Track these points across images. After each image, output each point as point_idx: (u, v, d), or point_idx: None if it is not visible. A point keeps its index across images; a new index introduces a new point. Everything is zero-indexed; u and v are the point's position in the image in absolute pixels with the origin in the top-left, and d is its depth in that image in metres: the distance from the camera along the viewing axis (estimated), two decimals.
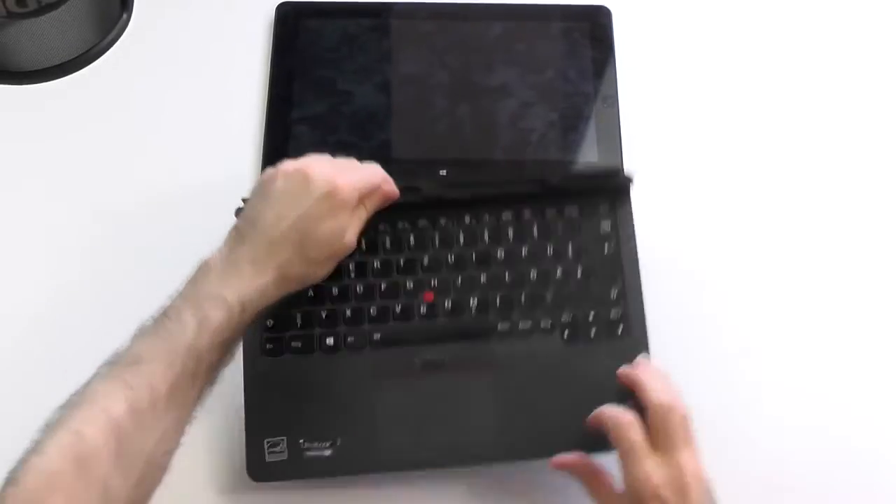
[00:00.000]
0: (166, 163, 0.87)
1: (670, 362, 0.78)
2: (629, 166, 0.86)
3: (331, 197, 0.67)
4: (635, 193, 0.79)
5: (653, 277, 0.79)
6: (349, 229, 0.69)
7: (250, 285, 0.64)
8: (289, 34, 0.92)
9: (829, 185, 0.88)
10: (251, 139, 0.87)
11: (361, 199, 0.70)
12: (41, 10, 0.86)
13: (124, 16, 0.94)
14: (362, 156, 0.85)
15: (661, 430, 0.63)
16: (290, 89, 0.89)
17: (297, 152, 0.85)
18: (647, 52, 0.93)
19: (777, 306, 0.82)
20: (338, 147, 0.86)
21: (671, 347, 0.78)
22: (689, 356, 0.79)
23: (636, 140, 0.88)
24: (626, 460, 0.63)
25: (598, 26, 0.93)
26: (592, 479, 0.66)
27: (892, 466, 0.77)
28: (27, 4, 0.85)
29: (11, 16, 0.86)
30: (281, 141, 0.86)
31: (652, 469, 0.61)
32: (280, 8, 0.93)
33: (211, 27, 0.94)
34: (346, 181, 0.68)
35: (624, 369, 0.69)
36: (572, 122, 0.88)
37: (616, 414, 0.64)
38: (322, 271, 0.70)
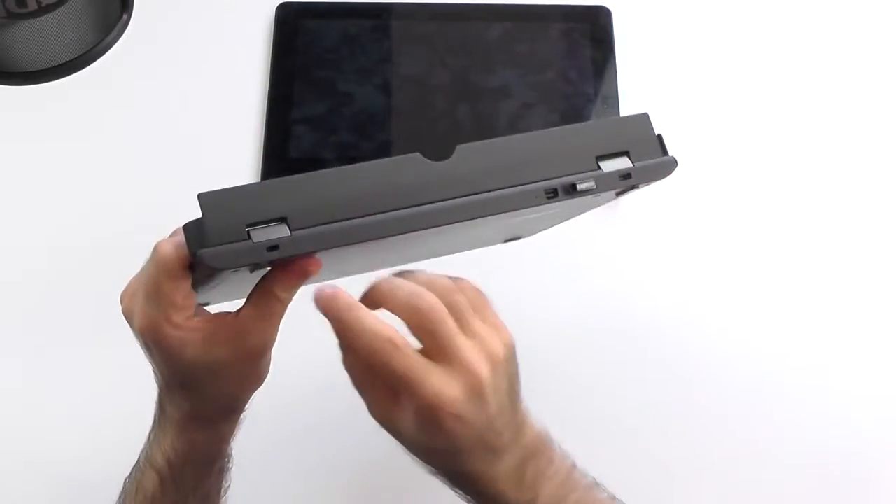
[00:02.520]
0: (166, 163, 0.87)
1: (669, 360, 0.78)
2: None
3: (157, 350, 0.51)
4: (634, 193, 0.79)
5: (652, 277, 0.79)
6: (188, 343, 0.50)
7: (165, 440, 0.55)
8: (289, 35, 0.92)
9: (830, 183, 0.88)
10: (251, 139, 0.87)
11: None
12: (41, 11, 0.86)
13: (124, 16, 0.94)
14: (362, 156, 0.85)
15: (429, 333, 0.47)
16: (291, 90, 0.89)
17: (298, 152, 0.86)
18: (647, 52, 0.93)
19: (776, 304, 0.82)
20: (338, 147, 0.86)
21: (669, 346, 0.78)
22: (687, 355, 0.80)
23: None
24: (406, 391, 0.47)
25: (598, 27, 0.93)
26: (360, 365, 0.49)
27: (891, 466, 0.77)
28: (27, 5, 0.85)
29: (11, 16, 0.86)
30: (281, 141, 0.86)
31: (439, 387, 0.46)
32: (280, 9, 0.93)
33: (211, 28, 0.94)
34: (127, 294, 0.52)
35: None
36: (573, 123, 0.87)
37: (372, 339, 0.46)
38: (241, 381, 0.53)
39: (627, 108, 0.89)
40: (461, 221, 0.48)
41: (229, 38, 0.94)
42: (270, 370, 0.54)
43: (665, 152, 0.52)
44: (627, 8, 0.94)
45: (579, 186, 0.49)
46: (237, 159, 0.86)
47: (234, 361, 0.50)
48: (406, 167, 0.48)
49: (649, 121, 0.52)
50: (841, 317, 0.82)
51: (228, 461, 0.60)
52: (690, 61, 0.94)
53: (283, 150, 0.86)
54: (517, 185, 0.49)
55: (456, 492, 0.52)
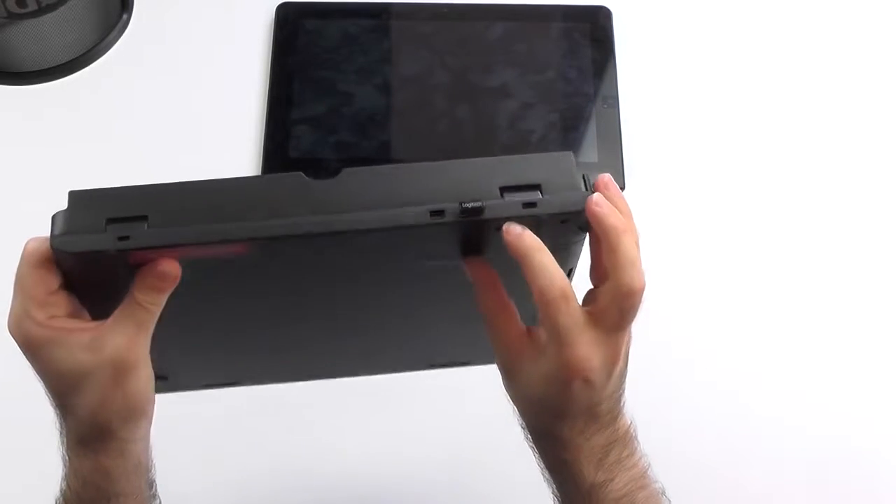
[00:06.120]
0: (166, 163, 0.87)
1: (671, 359, 0.78)
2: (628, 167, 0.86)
3: (24, 349, 0.49)
4: (634, 194, 0.79)
5: (651, 277, 0.78)
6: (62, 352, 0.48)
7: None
8: (289, 35, 0.92)
9: (831, 182, 0.88)
10: (251, 139, 0.87)
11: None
12: (41, 11, 0.86)
13: (124, 16, 0.94)
14: (362, 157, 0.86)
15: (618, 313, 0.50)
16: (291, 90, 0.89)
17: (297, 152, 0.86)
18: (647, 52, 0.93)
19: (776, 305, 0.82)
20: (338, 147, 0.86)
21: (671, 344, 0.78)
22: (686, 355, 0.80)
23: (636, 140, 0.88)
24: (553, 341, 0.49)
25: (598, 27, 0.93)
26: (497, 306, 0.52)
27: (889, 466, 0.77)
28: (27, 5, 0.85)
29: (11, 16, 0.86)
30: (281, 141, 0.86)
31: (586, 352, 0.49)
32: (280, 9, 0.93)
33: (211, 27, 0.94)
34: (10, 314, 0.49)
35: (599, 213, 0.49)
36: (572, 123, 0.88)
37: (546, 286, 0.48)
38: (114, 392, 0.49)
39: (627, 108, 0.89)
40: (329, 235, 0.46)
41: (229, 38, 0.94)
42: None
43: (587, 189, 0.48)
44: (627, 8, 0.94)
45: (466, 205, 0.46)
46: (237, 159, 0.86)
47: (97, 371, 0.48)
48: (282, 183, 0.47)
49: (571, 159, 0.49)
50: (839, 316, 0.82)
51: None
52: (690, 61, 0.94)
53: (283, 150, 0.86)
54: (402, 206, 0.46)
55: (533, 450, 0.55)
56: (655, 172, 0.87)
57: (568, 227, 0.49)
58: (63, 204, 0.88)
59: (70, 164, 0.87)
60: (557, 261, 0.48)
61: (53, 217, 0.46)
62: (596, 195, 0.48)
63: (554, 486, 0.56)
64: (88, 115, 0.90)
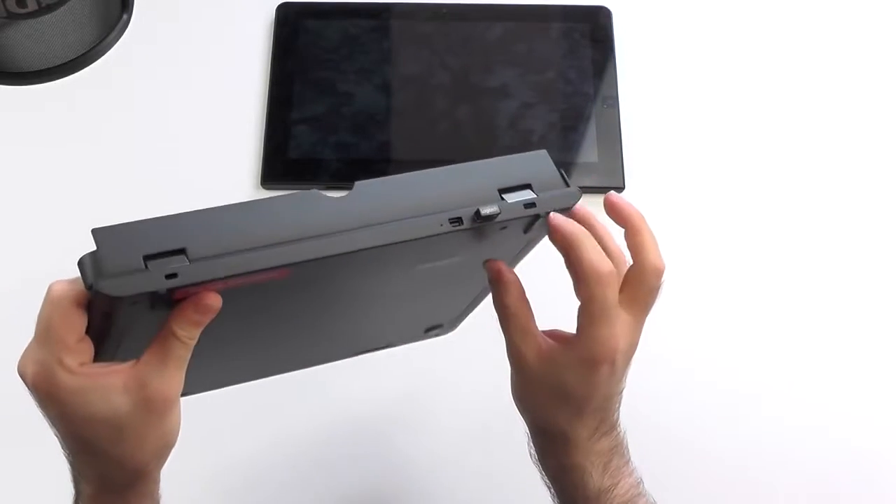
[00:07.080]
0: (166, 163, 0.87)
1: (671, 360, 0.78)
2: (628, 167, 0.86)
3: (50, 401, 0.47)
4: (634, 194, 0.79)
5: None
6: (101, 396, 0.46)
7: None
8: (289, 35, 0.92)
9: (828, 183, 0.88)
10: (251, 139, 0.87)
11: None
12: (41, 11, 0.86)
13: (124, 16, 0.94)
14: (362, 157, 0.86)
15: (647, 293, 0.52)
16: (291, 90, 0.89)
17: (297, 152, 0.86)
18: (647, 52, 0.93)
19: (777, 307, 0.82)
20: (338, 148, 0.86)
21: (671, 344, 0.78)
22: (686, 354, 0.80)
23: (636, 140, 0.88)
24: (594, 320, 0.51)
25: (598, 27, 0.93)
26: (519, 303, 0.54)
27: (889, 466, 0.77)
28: (27, 5, 0.85)
29: (11, 17, 0.86)
30: (281, 141, 0.86)
31: (620, 332, 0.52)
32: (280, 9, 0.93)
33: (211, 28, 0.94)
34: (24, 354, 0.48)
35: (620, 202, 0.54)
36: (572, 123, 0.88)
37: (596, 263, 0.51)
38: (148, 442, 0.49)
39: (627, 108, 0.89)
40: (363, 250, 0.47)
41: (229, 38, 0.94)
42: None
43: (567, 185, 0.52)
44: (627, 8, 0.94)
45: (483, 212, 0.49)
46: (237, 159, 0.86)
47: (135, 413, 0.46)
48: (303, 202, 0.48)
49: (548, 157, 0.52)
50: (838, 316, 0.82)
51: None
52: (690, 61, 0.94)
53: (283, 151, 0.86)
54: (420, 216, 0.49)
55: (538, 464, 0.57)
56: (655, 172, 0.87)
57: None
58: (63, 204, 0.88)
59: (70, 164, 0.87)
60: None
61: (81, 260, 0.44)
62: (609, 192, 0.53)
63: (560, 496, 0.56)
64: (88, 115, 0.90)
